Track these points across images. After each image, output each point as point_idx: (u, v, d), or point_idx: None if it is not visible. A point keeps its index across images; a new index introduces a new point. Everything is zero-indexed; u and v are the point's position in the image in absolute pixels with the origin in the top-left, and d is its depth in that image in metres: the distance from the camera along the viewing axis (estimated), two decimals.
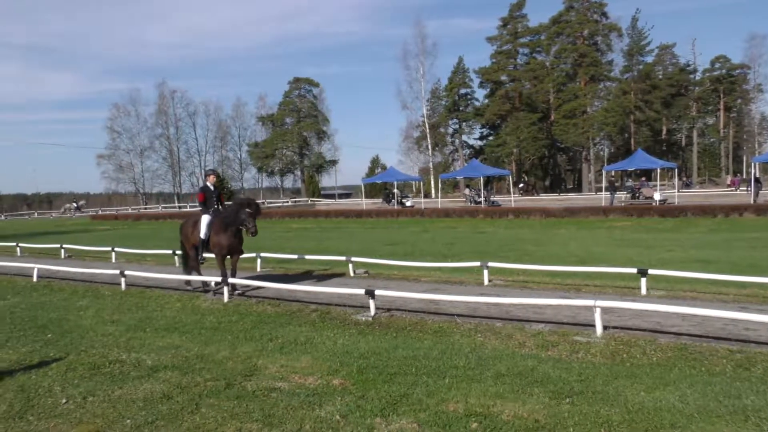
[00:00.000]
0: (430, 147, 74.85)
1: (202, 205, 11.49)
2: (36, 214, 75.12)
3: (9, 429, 4.82)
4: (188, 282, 11.93)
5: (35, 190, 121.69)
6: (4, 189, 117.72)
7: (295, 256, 14.87)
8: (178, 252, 16.43)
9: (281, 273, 13.70)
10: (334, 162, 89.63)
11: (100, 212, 63.20)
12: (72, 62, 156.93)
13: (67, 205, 63.93)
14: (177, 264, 15.13)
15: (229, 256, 11.13)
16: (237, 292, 10.91)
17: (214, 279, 11.25)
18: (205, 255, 11.47)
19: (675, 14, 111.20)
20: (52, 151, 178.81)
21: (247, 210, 10.56)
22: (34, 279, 13.91)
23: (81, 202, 64.20)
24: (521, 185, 47.20)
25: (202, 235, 11.17)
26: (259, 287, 11.20)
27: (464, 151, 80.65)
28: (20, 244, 21.91)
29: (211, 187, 11.55)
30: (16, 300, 11.42)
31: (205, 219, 11.24)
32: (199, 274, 11.77)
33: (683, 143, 79.37)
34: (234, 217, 10.66)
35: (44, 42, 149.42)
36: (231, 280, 10.70)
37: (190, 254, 11.77)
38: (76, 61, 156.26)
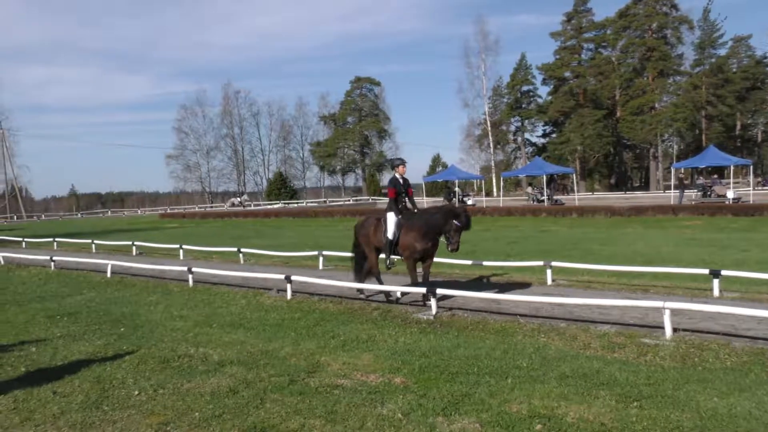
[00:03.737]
0: (491, 145, 74.11)
1: (391, 201, 9.95)
2: (109, 212, 78.34)
3: (86, 418, 5.04)
4: (361, 290, 10.58)
5: (109, 190, 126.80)
6: (81, 188, 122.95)
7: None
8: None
9: (449, 279, 12.13)
10: None
11: (168, 211, 65.58)
12: (143, 65, 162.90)
13: (233, 200, 67.38)
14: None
15: (420, 261, 9.81)
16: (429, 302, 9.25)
17: (400, 289, 9.79)
18: (394, 257, 10.02)
19: (750, 4, 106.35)
20: (124, 151, 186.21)
21: (455, 222, 9.00)
22: (108, 275, 14.48)
23: (244, 197, 67.43)
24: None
25: (390, 235, 9.77)
26: (451, 296, 9.63)
27: (527, 149, 79.42)
28: (95, 242, 22.90)
29: (401, 180, 10.06)
30: (92, 295, 11.92)
31: (391, 218, 9.77)
32: (379, 280, 10.39)
33: (759, 139, 75.86)
34: (437, 225, 9.20)
35: (118, 46, 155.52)
36: (415, 289, 9.37)
37: (369, 258, 10.39)
38: (147, 64, 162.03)
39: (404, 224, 9.61)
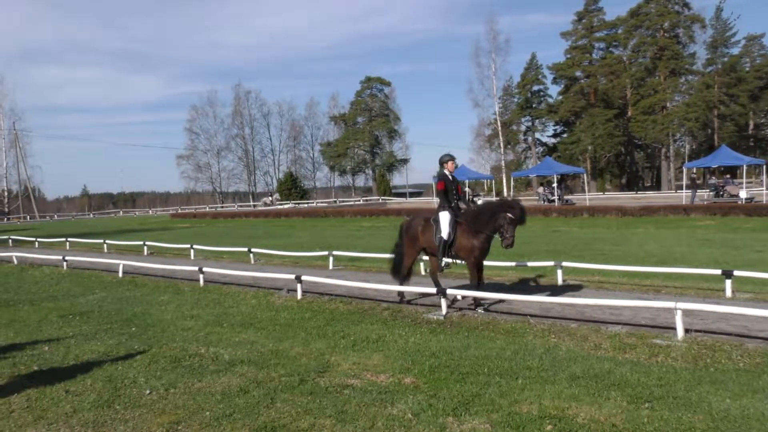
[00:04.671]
0: (502, 145, 73.87)
1: (441, 195, 9.43)
2: (121, 212, 78.78)
3: (98, 417, 5.08)
4: (402, 294, 10.08)
5: (120, 190, 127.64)
6: (92, 189, 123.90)
7: (366, 255, 14.99)
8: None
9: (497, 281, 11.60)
10: (405, 161, 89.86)
11: (179, 210, 65.93)
12: (156, 66, 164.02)
13: (264, 199, 68.15)
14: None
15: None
16: (480, 308, 9.07)
17: (459, 292, 9.21)
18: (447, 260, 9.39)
19: (763, 2, 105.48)
20: (136, 152, 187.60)
21: (509, 215, 8.47)
22: (120, 275, 14.57)
23: (275, 196, 68.09)
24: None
25: (445, 235, 9.14)
26: (500, 300, 9.32)
27: (537, 149, 79.14)
28: (107, 242, 23.04)
29: (450, 176, 9.52)
30: (104, 294, 11.99)
31: (445, 216, 9.19)
32: (402, 282, 9.95)
33: None
34: (490, 220, 8.65)
35: (131, 47, 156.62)
36: (467, 292, 9.02)
37: (407, 259, 9.91)
38: (160, 64, 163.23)
39: (460, 223, 9.08)
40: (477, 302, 9.22)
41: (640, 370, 5.75)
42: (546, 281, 11.22)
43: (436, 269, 9.78)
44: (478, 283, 9.15)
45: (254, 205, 71.81)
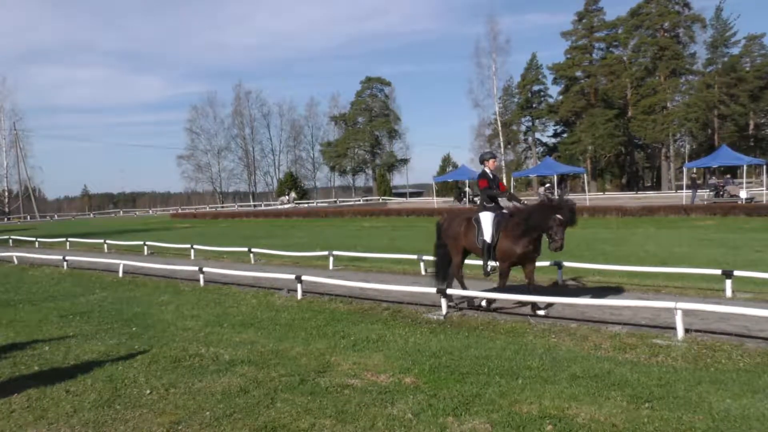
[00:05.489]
0: (502, 145, 73.86)
1: (483, 194, 9.07)
2: (121, 212, 78.81)
3: (99, 416, 5.08)
4: (449, 298, 9.36)
5: (121, 190, 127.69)
6: (93, 189, 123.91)
7: (366, 255, 15.00)
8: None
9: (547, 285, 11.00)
10: (405, 161, 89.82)
11: (179, 210, 66.02)
12: (157, 66, 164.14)
13: (282, 198, 68.33)
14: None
15: (520, 266, 8.97)
16: (541, 312, 8.57)
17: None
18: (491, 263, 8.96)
19: (763, 2, 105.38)
20: (136, 152, 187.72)
21: (558, 216, 8.04)
22: (120, 275, 14.57)
23: (292, 195, 68.28)
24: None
25: (488, 237, 8.70)
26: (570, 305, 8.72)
27: (537, 149, 79.17)
28: (107, 242, 23.05)
29: (491, 174, 9.12)
30: (104, 294, 12.00)
31: (488, 217, 8.77)
32: (462, 285, 9.44)
33: None
34: (539, 221, 8.17)
35: (132, 47, 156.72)
36: (526, 297, 8.51)
37: (455, 260, 9.40)
38: (161, 65, 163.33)
39: (504, 225, 8.62)
40: (488, 303, 8.93)
41: (641, 370, 5.75)
42: (546, 280, 11.21)
43: (459, 267, 9.44)
44: (529, 286, 8.81)
45: (255, 205, 71.91)
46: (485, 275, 9.24)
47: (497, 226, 8.66)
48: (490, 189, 9.00)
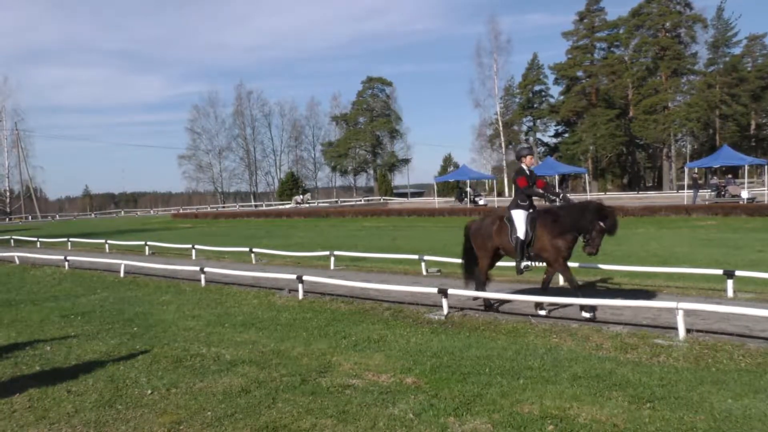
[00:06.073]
0: (503, 145, 73.88)
1: (519, 193, 8.74)
2: (123, 212, 78.86)
3: (100, 417, 5.08)
4: (487, 301, 9.27)
5: (122, 190, 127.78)
6: (94, 189, 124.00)
7: (367, 255, 15.00)
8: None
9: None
10: (406, 161, 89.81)
11: (181, 211, 66.13)
12: (158, 66, 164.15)
13: (296, 197, 68.56)
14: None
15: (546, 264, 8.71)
16: (542, 312, 8.53)
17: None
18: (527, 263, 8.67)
19: (765, 2, 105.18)
20: (137, 152, 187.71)
21: (600, 223, 7.84)
22: (121, 275, 14.58)
23: (307, 195, 68.47)
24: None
25: (521, 234, 8.44)
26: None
27: (539, 149, 79.13)
28: (109, 242, 23.05)
29: (528, 171, 8.80)
30: (105, 294, 12.00)
31: (521, 214, 8.52)
32: (482, 288, 9.23)
33: None
34: (581, 221, 7.97)
35: (133, 47, 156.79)
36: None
37: (482, 263, 9.13)
38: (162, 65, 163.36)
39: (541, 221, 8.41)
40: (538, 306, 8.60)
41: (642, 370, 5.74)
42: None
43: (485, 270, 9.20)
44: (544, 284, 8.64)
45: (256, 205, 71.95)
46: (518, 273, 9.06)
47: (531, 222, 8.45)
48: (528, 188, 8.67)
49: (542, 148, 79.20)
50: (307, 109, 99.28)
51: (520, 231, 8.46)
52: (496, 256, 9.19)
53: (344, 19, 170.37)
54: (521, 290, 9.92)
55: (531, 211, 8.56)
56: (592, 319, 8.07)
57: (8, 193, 76.64)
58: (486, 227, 9.03)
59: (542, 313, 8.53)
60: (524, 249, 8.49)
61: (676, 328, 6.99)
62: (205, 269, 12.87)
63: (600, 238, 7.91)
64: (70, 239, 24.97)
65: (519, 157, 8.98)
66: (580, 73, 71.03)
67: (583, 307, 8.19)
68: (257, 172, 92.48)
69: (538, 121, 78.38)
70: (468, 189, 45.52)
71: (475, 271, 9.33)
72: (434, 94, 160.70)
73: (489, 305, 9.19)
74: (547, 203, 9.09)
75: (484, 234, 9.02)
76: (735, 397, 4.93)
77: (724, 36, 69.70)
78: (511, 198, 9.30)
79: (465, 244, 9.47)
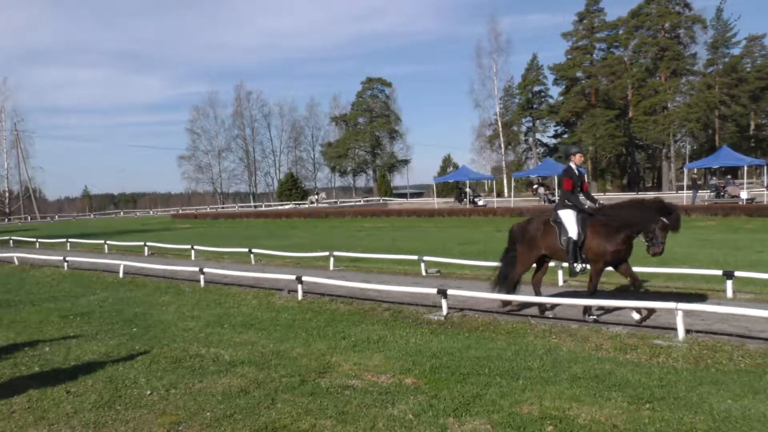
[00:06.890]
0: (502, 145, 73.91)
1: (567, 195, 8.42)
2: (122, 213, 78.85)
3: (99, 417, 5.08)
4: (506, 304, 9.09)
5: (121, 191, 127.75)
6: (94, 189, 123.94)
7: (366, 255, 14.99)
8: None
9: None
10: (406, 161, 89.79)
11: (180, 211, 66.17)
12: (157, 67, 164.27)
13: (311, 197, 68.79)
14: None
15: (612, 267, 8.33)
16: (592, 317, 8.19)
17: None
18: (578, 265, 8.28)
19: (764, 3, 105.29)
20: (137, 152, 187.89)
21: (663, 219, 7.60)
22: (121, 275, 14.57)
23: (321, 195, 68.63)
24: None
25: (574, 235, 8.03)
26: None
27: (538, 150, 79.14)
28: (108, 242, 23.05)
29: (576, 171, 8.56)
30: (105, 295, 12.00)
31: (570, 214, 8.17)
32: (510, 291, 8.87)
33: None
34: (641, 220, 7.66)
35: (133, 48, 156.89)
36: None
37: (521, 266, 8.79)
38: (161, 65, 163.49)
39: (591, 221, 8.04)
40: (542, 309, 8.56)
41: (641, 371, 5.74)
42: (547, 281, 11.18)
43: (540, 277, 8.99)
44: (633, 284, 8.26)
45: (255, 206, 71.93)
46: (571, 276, 8.77)
47: (582, 222, 8.06)
48: (573, 193, 8.37)
49: (542, 149, 79.20)
50: (306, 110, 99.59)
51: (573, 232, 8.08)
52: (540, 262, 8.91)
53: (344, 19, 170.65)
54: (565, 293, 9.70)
55: (580, 211, 8.19)
56: (596, 321, 8.11)
57: (7, 194, 76.67)
58: (532, 231, 8.65)
59: (549, 314, 8.53)
60: (577, 250, 8.09)
61: (675, 329, 6.99)
62: (205, 270, 12.87)
63: (664, 236, 7.59)
64: (70, 240, 24.98)
65: (568, 155, 8.72)
66: (579, 74, 71.02)
67: (586, 310, 8.24)
68: (257, 172, 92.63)
69: (538, 121, 78.36)
70: (467, 190, 45.52)
71: (508, 275, 8.94)
72: (434, 95, 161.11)
73: (517, 307, 8.95)
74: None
75: (530, 238, 8.64)
76: (734, 397, 4.93)
77: (724, 37, 69.66)
78: (558, 197, 8.88)
79: (508, 246, 9.13)
